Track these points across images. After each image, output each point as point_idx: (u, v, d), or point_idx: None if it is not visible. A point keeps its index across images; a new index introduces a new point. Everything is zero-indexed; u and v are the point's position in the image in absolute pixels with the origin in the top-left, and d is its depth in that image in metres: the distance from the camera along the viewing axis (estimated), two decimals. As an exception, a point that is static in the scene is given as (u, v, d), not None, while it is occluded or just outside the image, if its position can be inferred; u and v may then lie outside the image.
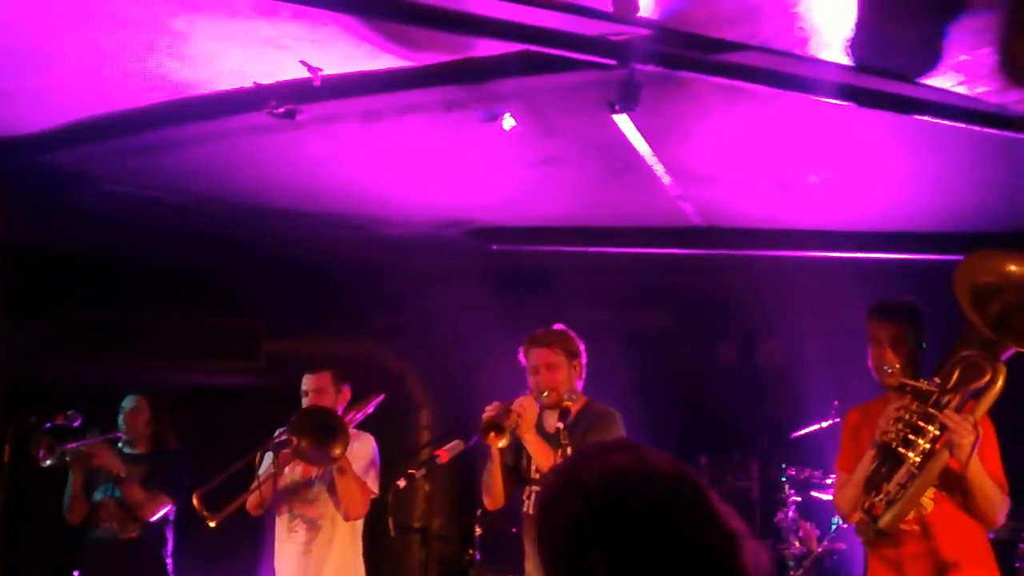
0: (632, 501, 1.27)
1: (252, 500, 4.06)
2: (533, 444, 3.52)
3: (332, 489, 4.09)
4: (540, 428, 3.57)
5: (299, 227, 5.57)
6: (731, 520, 1.29)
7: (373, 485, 4.16)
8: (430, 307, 6.26)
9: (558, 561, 1.32)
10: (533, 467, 3.69)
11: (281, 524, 4.15)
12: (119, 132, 3.99)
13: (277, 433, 4.15)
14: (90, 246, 5.84)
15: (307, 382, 4.20)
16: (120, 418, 4.95)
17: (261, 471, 4.05)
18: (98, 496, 4.84)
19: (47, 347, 6.25)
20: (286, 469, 4.17)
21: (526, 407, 3.51)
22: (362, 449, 4.16)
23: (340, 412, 4.16)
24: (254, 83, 3.49)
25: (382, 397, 4.32)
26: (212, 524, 3.83)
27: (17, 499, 4.76)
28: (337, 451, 3.89)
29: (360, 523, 4.23)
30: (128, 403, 4.99)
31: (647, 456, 1.32)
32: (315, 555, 4.10)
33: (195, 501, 3.85)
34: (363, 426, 4.32)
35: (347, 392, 4.27)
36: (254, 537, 4.49)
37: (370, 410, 4.22)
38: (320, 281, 6.33)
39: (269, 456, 4.08)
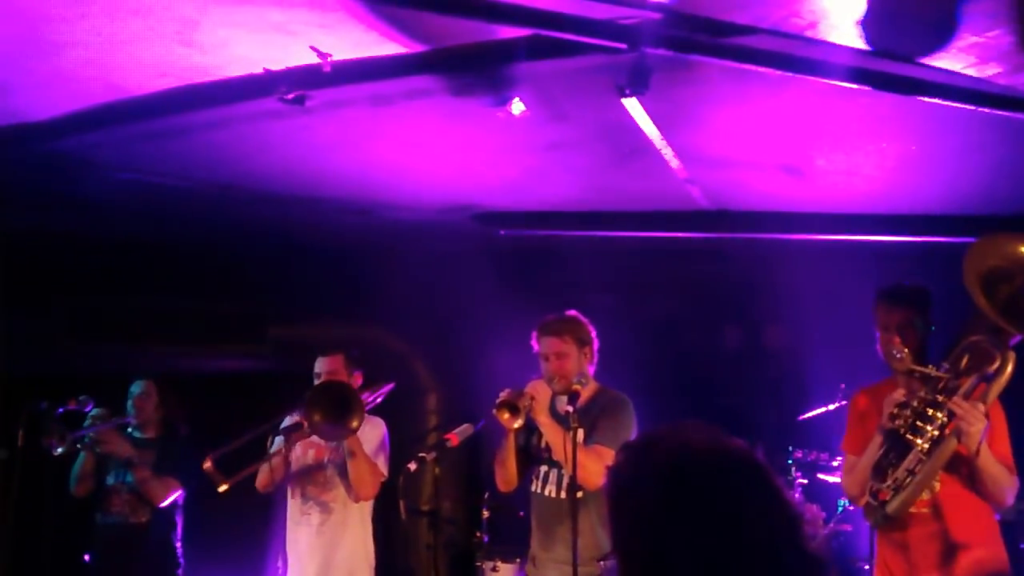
0: (705, 478, 1.32)
1: (262, 478, 4.13)
2: (547, 426, 3.58)
3: (344, 472, 4.15)
4: (553, 410, 3.62)
5: (307, 212, 5.58)
6: (793, 504, 1.34)
7: (383, 468, 4.22)
8: (438, 292, 6.27)
9: (631, 533, 1.36)
10: (543, 447, 3.74)
11: (294, 507, 4.22)
12: (128, 119, 3.99)
13: (289, 417, 4.19)
14: (98, 233, 5.86)
15: (320, 364, 4.25)
16: (129, 403, 5.00)
17: (272, 450, 4.10)
18: (110, 481, 4.89)
19: (55, 334, 6.28)
20: (298, 452, 4.23)
21: (539, 390, 3.57)
22: (373, 432, 4.21)
23: None
24: (264, 69, 3.49)
25: (392, 386, 4.36)
26: (222, 488, 3.88)
27: (30, 484, 4.80)
28: (354, 423, 3.93)
29: (370, 505, 4.30)
30: (136, 388, 5.03)
31: (719, 437, 1.36)
32: (328, 537, 4.17)
33: (208, 464, 3.87)
34: (372, 410, 4.36)
35: (359, 377, 4.32)
36: (263, 521, 4.53)
37: (379, 400, 4.26)
38: (328, 266, 6.34)
39: (280, 438, 4.12)
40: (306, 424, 3.95)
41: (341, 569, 4.18)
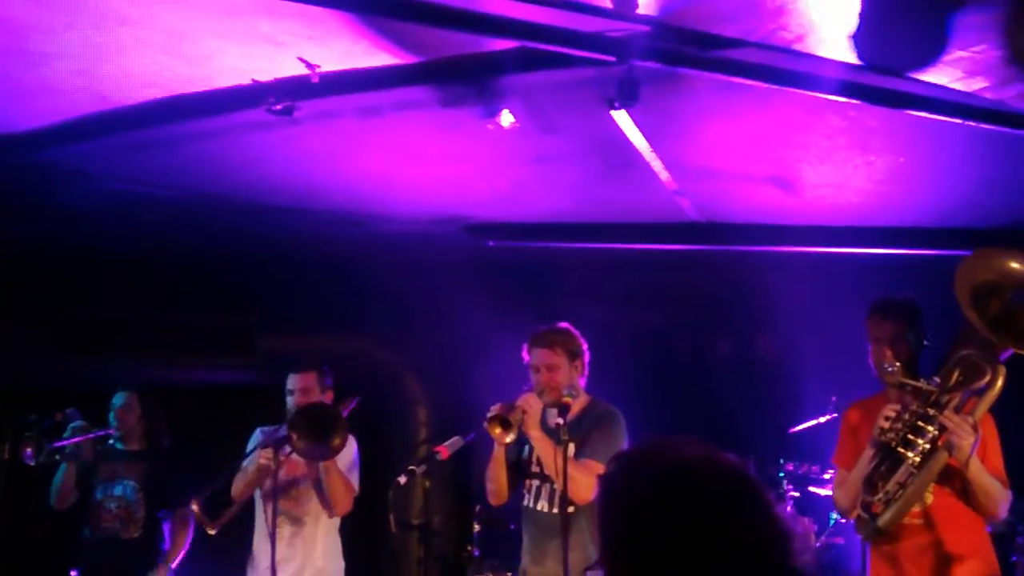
0: (698, 491, 1.33)
1: (237, 488, 4.15)
2: (538, 440, 3.56)
3: (317, 487, 4.20)
4: (544, 424, 3.60)
5: (296, 224, 5.57)
6: (783, 520, 1.35)
7: (355, 483, 4.27)
8: (427, 303, 6.26)
9: (623, 545, 1.37)
10: (534, 461, 3.72)
11: (267, 521, 4.20)
12: (116, 130, 3.98)
13: (275, 429, 4.18)
14: (86, 244, 5.83)
15: (292, 381, 4.27)
16: (111, 415, 4.96)
17: (246, 462, 4.17)
18: (98, 495, 4.84)
19: (43, 346, 6.24)
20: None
21: (531, 403, 3.55)
22: (346, 449, 4.22)
23: None
24: (252, 80, 3.49)
25: (357, 400, 4.35)
26: (212, 532, 3.93)
27: (16, 497, 4.76)
28: (336, 442, 3.98)
29: (338, 520, 4.34)
30: (119, 400, 4.99)
31: (712, 452, 1.37)
32: (299, 549, 4.23)
33: (195, 508, 3.93)
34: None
35: (330, 394, 4.35)
36: (249, 534, 4.50)
37: (345, 413, 4.24)
38: (317, 278, 6.33)
39: (251, 446, 4.20)
40: (295, 437, 3.96)
41: None
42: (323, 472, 4.11)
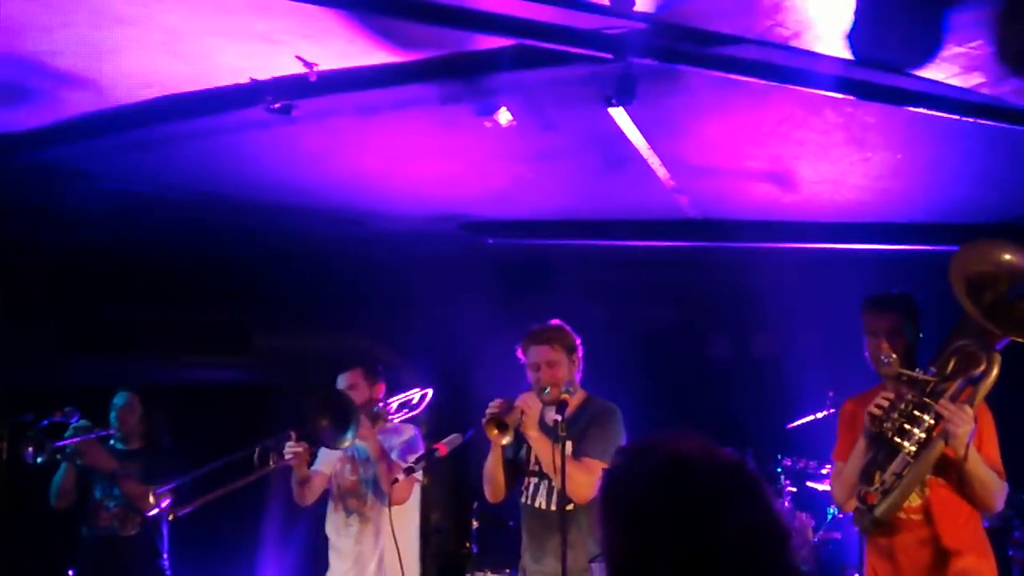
0: (696, 484, 1.34)
1: (296, 493, 4.30)
2: (537, 440, 3.54)
3: (375, 484, 4.28)
4: (541, 422, 3.59)
5: (293, 222, 5.57)
6: (782, 517, 1.37)
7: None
8: (425, 301, 6.26)
9: (623, 536, 1.38)
10: (532, 459, 3.72)
11: (338, 519, 4.38)
12: (114, 129, 3.98)
13: (282, 436, 4.22)
14: (84, 243, 5.83)
15: (341, 380, 4.36)
16: (112, 415, 4.97)
17: (316, 465, 4.34)
18: (97, 494, 4.85)
19: (41, 345, 6.24)
20: (337, 468, 4.39)
21: (530, 404, 3.53)
22: (397, 440, 4.34)
23: (376, 405, 4.35)
24: (250, 79, 3.49)
25: (424, 391, 4.40)
26: (170, 518, 4.12)
27: (14, 497, 4.76)
28: (348, 434, 4.04)
29: (410, 511, 4.38)
30: (120, 400, 5.00)
31: (711, 447, 1.39)
32: (365, 544, 4.31)
33: (151, 499, 4.07)
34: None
35: (381, 387, 4.43)
36: (248, 535, 4.52)
37: (412, 402, 4.29)
38: (314, 276, 6.33)
39: (322, 452, 4.33)
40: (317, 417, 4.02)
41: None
42: (375, 464, 4.15)
